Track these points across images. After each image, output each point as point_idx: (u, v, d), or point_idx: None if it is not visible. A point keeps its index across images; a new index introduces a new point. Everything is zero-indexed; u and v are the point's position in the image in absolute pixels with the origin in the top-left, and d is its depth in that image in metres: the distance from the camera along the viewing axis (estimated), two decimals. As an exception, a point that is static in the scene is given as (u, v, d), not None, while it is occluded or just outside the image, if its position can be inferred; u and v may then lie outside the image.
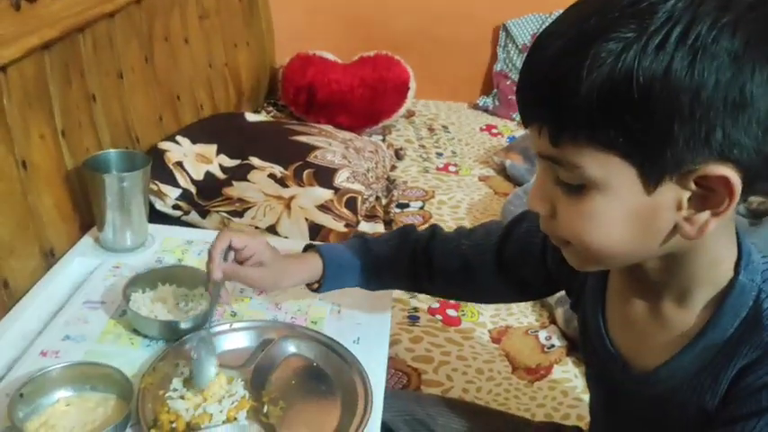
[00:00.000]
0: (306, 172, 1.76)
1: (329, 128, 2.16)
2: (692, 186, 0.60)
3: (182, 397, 0.90)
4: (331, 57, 2.54)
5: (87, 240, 1.30)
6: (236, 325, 1.05)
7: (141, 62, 1.61)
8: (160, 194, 1.55)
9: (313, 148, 1.88)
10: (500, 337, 1.57)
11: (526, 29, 2.61)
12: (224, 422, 0.88)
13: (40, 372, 0.93)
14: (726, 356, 0.67)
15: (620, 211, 0.62)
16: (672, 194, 0.60)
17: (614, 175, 0.60)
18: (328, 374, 0.98)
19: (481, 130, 2.57)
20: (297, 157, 1.81)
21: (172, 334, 1.03)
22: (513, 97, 2.57)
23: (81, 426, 0.90)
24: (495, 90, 2.68)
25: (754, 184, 0.60)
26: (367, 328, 1.09)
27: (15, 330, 1.08)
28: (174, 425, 0.87)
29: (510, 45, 2.63)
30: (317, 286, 1.04)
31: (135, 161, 1.28)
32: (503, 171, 2.23)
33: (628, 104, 0.56)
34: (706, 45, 0.55)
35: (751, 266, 0.67)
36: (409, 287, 1.11)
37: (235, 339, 1.03)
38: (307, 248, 1.07)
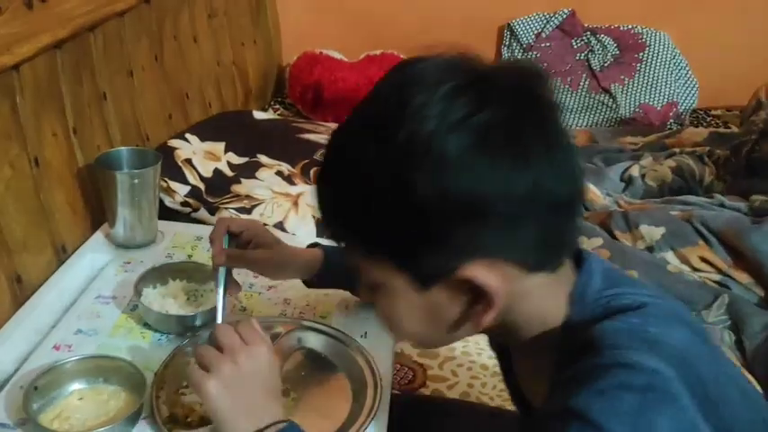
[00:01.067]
0: (313, 169, 1.77)
1: (336, 126, 2.17)
2: (460, 285, 0.62)
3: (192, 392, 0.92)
4: (338, 55, 2.56)
5: (98, 236, 1.32)
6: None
7: (151, 61, 1.63)
8: (169, 191, 1.57)
9: (320, 145, 1.89)
10: (504, 333, 1.58)
11: (530, 28, 2.62)
12: None
13: (55, 365, 0.95)
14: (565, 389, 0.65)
15: (407, 308, 0.66)
16: (445, 293, 0.64)
17: (391, 279, 0.65)
18: (337, 366, 1.00)
19: (486, 128, 2.58)
20: (304, 154, 1.83)
21: (182, 328, 1.05)
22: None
23: (94, 418, 0.92)
24: (500, 89, 2.69)
25: (538, 267, 0.64)
26: (374, 322, 1.10)
27: (28, 324, 1.10)
28: (189, 419, 0.88)
29: (514, 44, 2.64)
30: (315, 280, 1.06)
31: (146, 158, 1.30)
32: (507, 169, 2.24)
33: (368, 217, 0.61)
34: (436, 152, 0.57)
35: (582, 305, 0.67)
36: None
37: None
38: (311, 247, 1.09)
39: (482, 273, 0.61)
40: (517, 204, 0.59)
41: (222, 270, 0.96)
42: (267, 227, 1.02)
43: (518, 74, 0.63)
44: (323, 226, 0.70)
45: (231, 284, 0.98)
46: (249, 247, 0.99)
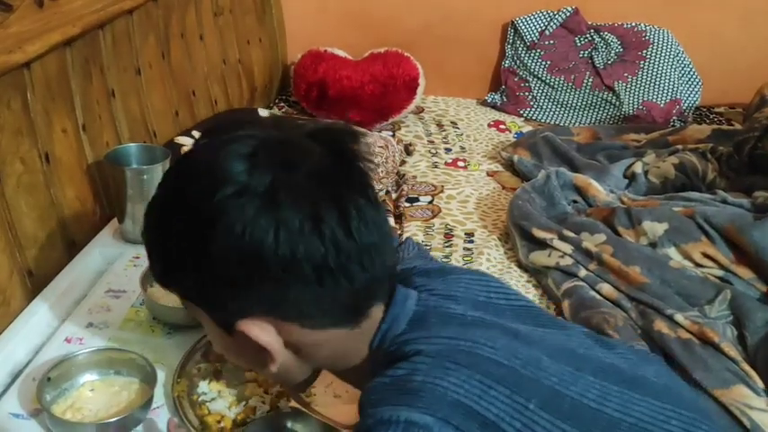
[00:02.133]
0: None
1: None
2: (245, 336, 0.68)
3: (214, 398, 0.94)
4: (342, 53, 2.57)
5: (108, 232, 1.33)
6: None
7: (158, 58, 1.65)
8: (176, 188, 1.58)
9: (325, 143, 1.90)
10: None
11: (534, 26, 2.63)
12: (268, 412, 0.92)
13: (67, 357, 0.97)
14: None
15: (223, 343, 0.74)
16: (242, 340, 0.68)
17: (204, 320, 0.73)
18: None
19: (489, 125, 2.59)
20: (309, 151, 1.84)
21: (190, 320, 1.06)
22: (521, 94, 2.61)
23: (106, 409, 0.94)
24: (504, 86, 2.70)
25: (326, 326, 0.68)
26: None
27: (40, 317, 1.11)
28: (221, 424, 0.90)
29: (518, 42, 2.65)
30: None
31: (154, 155, 1.31)
32: (511, 166, 2.25)
33: (175, 267, 0.70)
34: (204, 218, 0.64)
35: (377, 353, 0.71)
36: None
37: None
38: None
39: (253, 329, 0.67)
40: (281, 268, 0.62)
41: None
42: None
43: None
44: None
45: None
46: None
